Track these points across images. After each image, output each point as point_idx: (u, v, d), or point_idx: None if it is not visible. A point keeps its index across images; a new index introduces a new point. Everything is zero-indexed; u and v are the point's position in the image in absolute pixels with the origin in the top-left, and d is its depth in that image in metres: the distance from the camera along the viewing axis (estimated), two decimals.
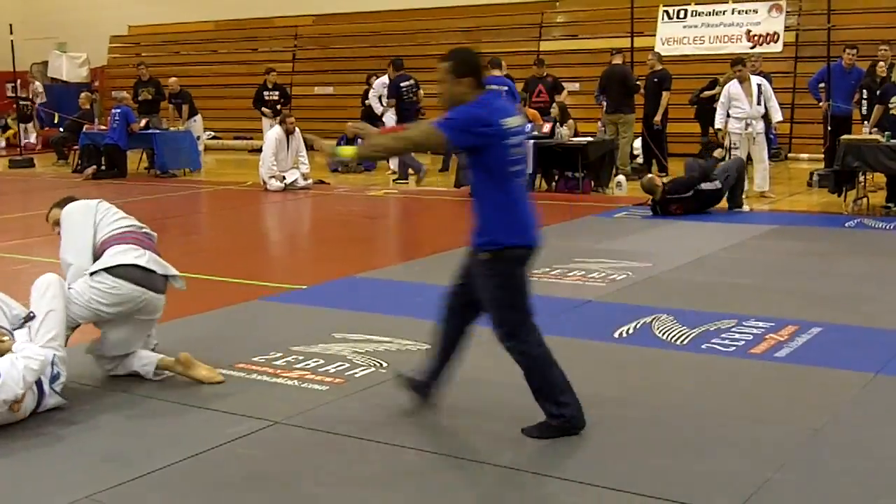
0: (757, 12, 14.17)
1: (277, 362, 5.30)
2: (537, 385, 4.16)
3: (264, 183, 13.60)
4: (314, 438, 4.26)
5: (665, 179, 11.22)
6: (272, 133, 13.88)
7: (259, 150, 14.88)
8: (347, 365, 5.23)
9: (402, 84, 14.38)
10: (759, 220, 10.26)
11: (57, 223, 5.18)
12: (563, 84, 15.33)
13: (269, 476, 3.88)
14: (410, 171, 13.95)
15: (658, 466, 3.88)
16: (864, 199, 10.73)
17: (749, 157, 11.56)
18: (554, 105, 14.20)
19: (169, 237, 9.50)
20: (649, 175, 11.40)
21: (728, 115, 11.69)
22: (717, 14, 14.44)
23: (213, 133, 20.11)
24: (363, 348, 5.53)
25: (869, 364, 5.12)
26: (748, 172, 11.36)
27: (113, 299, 4.83)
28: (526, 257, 4.10)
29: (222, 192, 14.12)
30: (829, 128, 13.01)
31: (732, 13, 14.35)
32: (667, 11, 14.85)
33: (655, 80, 13.93)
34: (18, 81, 20.65)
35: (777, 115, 11.81)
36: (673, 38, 14.74)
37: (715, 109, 12.19)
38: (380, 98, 15.59)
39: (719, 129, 11.91)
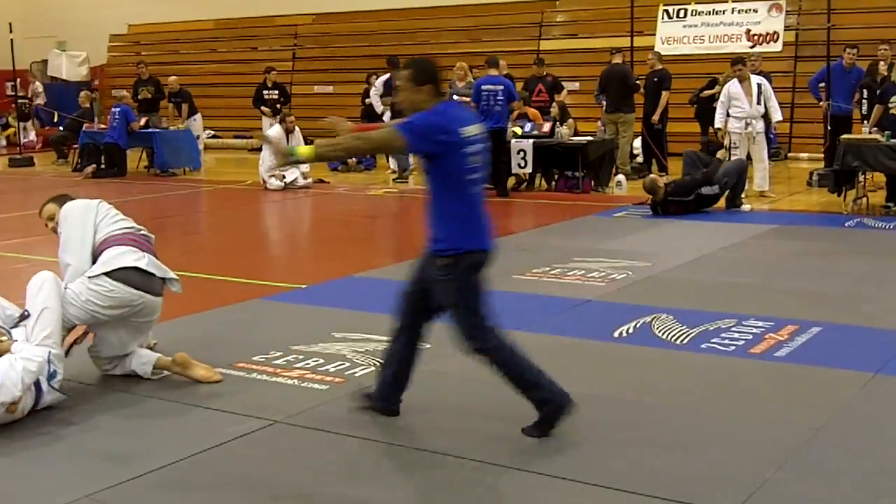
0: (757, 12, 14.18)
1: (277, 361, 5.30)
2: (512, 378, 4.20)
3: (264, 182, 13.60)
4: (314, 438, 4.26)
5: (666, 180, 11.22)
6: (272, 132, 13.87)
7: (259, 149, 14.88)
8: (347, 364, 5.23)
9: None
10: (758, 219, 10.26)
11: (51, 218, 5.15)
12: (563, 83, 15.34)
13: (269, 475, 3.88)
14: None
15: (658, 466, 3.88)
16: (864, 199, 10.73)
17: (749, 157, 11.56)
18: (554, 104, 14.21)
19: (169, 236, 9.51)
20: (652, 176, 11.39)
21: (728, 115, 11.69)
22: (716, 13, 14.45)
23: (212, 132, 20.11)
24: (363, 347, 5.53)
25: (869, 364, 5.12)
26: (748, 172, 11.36)
27: (110, 302, 4.82)
28: (483, 262, 4.17)
29: (222, 191, 14.12)
30: (828, 127, 13.00)
31: (732, 12, 14.36)
32: (667, 11, 14.85)
33: (655, 79, 13.93)
34: (18, 80, 20.65)
35: (777, 115, 11.82)
36: (673, 37, 14.74)
37: (715, 109, 12.20)
38: (381, 97, 15.59)
39: (719, 129, 11.92)
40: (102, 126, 16.73)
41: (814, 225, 9.87)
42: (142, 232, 5.19)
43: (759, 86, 11.59)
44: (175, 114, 16.99)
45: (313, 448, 4.17)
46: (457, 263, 4.10)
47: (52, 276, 4.74)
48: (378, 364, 4.58)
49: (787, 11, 14.31)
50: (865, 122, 11.58)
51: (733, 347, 5.46)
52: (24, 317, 4.61)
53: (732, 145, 11.67)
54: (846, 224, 9.80)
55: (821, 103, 13.47)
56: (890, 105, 10.83)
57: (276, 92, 16.68)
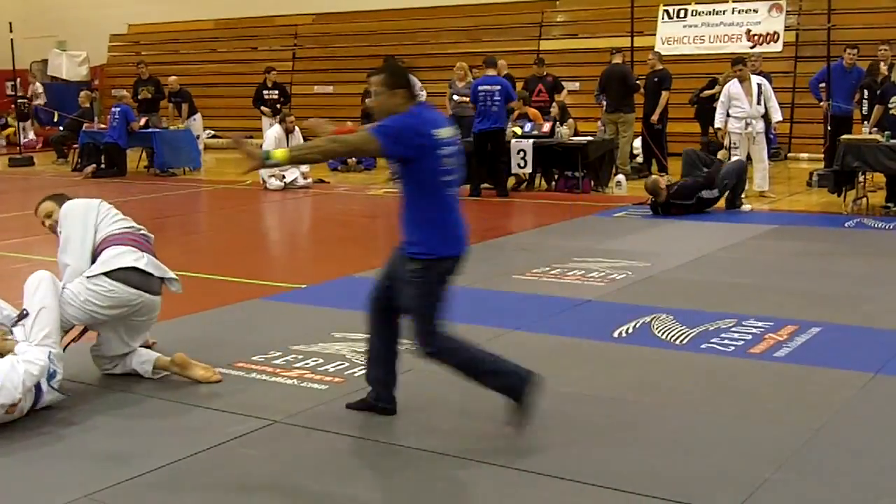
0: (757, 12, 14.17)
1: (277, 361, 5.30)
2: (470, 373, 4.21)
3: (264, 182, 13.60)
4: (314, 438, 4.26)
5: (666, 180, 11.20)
6: (272, 132, 13.88)
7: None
8: (347, 364, 5.23)
9: None
10: (758, 219, 10.25)
11: (48, 216, 5.15)
12: (563, 83, 15.33)
13: (269, 475, 3.88)
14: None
15: (658, 466, 3.87)
16: (864, 199, 10.73)
17: (749, 157, 11.56)
18: (554, 104, 14.21)
19: (168, 236, 9.51)
20: (654, 177, 11.38)
21: (728, 115, 11.69)
22: (717, 14, 14.44)
23: (212, 132, 20.11)
24: (362, 347, 5.51)
25: (868, 364, 5.12)
26: (748, 172, 11.36)
27: (109, 302, 4.81)
28: (453, 269, 4.19)
29: (222, 191, 14.12)
30: (829, 128, 13.00)
31: (732, 13, 14.36)
32: (667, 11, 14.85)
33: (655, 79, 13.93)
34: (18, 80, 20.65)
35: (777, 115, 11.81)
36: (673, 37, 14.74)
37: (715, 109, 12.20)
38: None
39: (719, 129, 11.92)
40: (102, 126, 16.72)
41: (814, 225, 9.87)
42: (141, 232, 5.19)
43: (759, 86, 11.59)
44: (175, 114, 16.99)
45: (312, 448, 4.17)
46: (429, 268, 4.10)
47: (49, 275, 4.74)
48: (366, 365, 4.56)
49: (787, 11, 14.31)
50: (865, 122, 11.58)
51: (733, 347, 5.46)
52: (22, 316, 4.61)
53: (732, 145, 11.67)
54: (846, 224, 9.80)
55: (821, 103, 13.47)
56: (890, 105, 10.83)
57: (276, 92, 16.67)
